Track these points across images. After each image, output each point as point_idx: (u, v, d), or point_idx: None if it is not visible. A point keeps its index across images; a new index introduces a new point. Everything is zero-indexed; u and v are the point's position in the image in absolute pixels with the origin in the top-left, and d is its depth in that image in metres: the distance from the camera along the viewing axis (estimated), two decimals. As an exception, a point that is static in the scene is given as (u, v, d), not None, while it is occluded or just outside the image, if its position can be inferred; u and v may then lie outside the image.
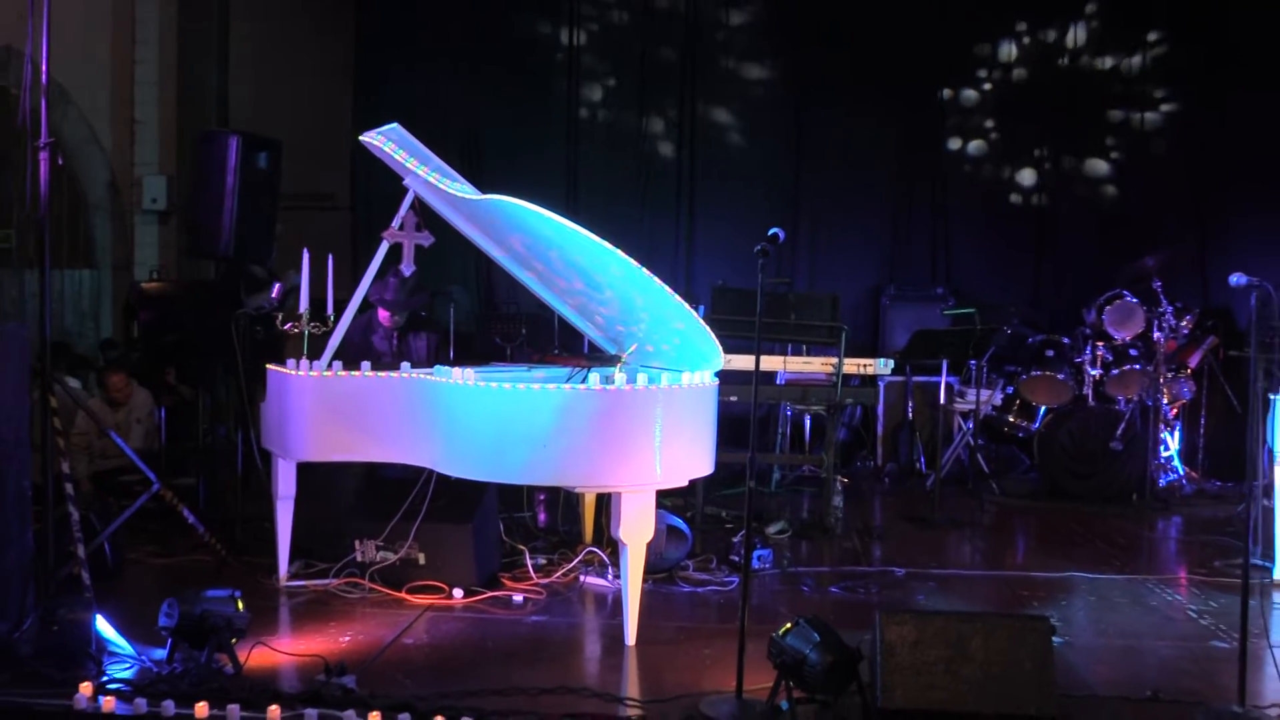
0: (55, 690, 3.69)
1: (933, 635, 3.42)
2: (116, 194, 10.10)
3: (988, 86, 9.61)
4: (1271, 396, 5.45)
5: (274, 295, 6.11)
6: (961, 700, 3.35)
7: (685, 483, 4.56)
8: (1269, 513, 5.61)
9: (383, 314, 6.36)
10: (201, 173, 6.26)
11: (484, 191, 4.81)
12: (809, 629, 3.57)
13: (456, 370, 4.59)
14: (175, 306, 6.35)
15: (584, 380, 4.54)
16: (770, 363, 6.80)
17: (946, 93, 9.57)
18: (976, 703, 3.35)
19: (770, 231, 3.86)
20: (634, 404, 4.26)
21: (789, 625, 3.63)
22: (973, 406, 7.84)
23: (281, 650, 4.18)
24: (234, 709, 3.51)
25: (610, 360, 5.06)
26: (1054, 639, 3.59)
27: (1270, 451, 5.54)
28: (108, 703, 3.60)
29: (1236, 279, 3.95)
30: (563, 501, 6.30)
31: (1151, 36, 9.40)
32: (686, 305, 4.41)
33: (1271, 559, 5.54)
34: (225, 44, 10.71)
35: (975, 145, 9.63)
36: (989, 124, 9.64)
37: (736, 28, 9.81)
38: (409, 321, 6.43)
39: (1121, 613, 5.01)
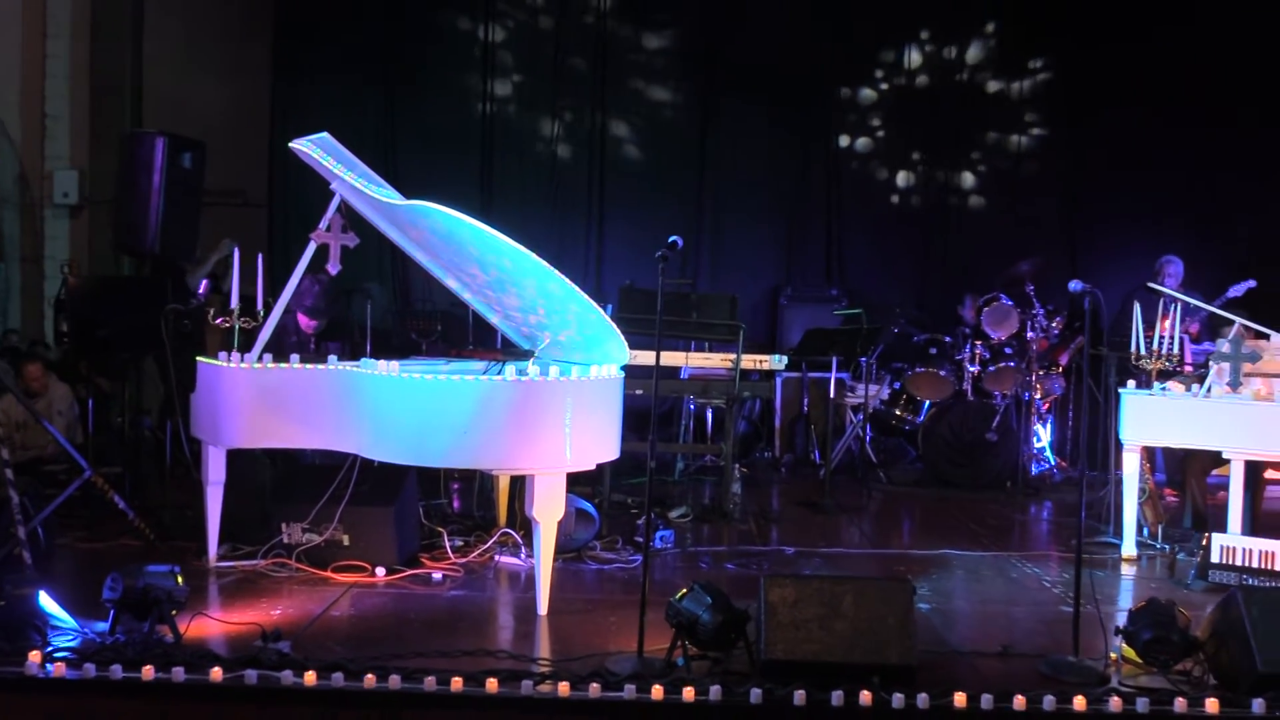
0: (4, 659, 3.95)
1: (809, 596, 3.89)
2: (26, 187, 10.14)
3: (879, 96, 10.22)
4: (1121, 392, 6.07)
5: (201, 293, 6.36)
6: (833, 651, 3.82)
7: (593, 466, 4.99)
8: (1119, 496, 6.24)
9: (303, 320, 6.67)
10: (128, 172, 6.49)
11: (402, 193, 5.17)
12: (702, 593, 4.02)
13: (382, 363, 4.95)
14: (106, 302, 6.55)
15: (500, 372, 4.92)
16: (674, 358, 7.26)
17: (842, 101, 10.15)
18: (846, 654, 3.82)
19: (670, 239, 4.29)
20: (546, 394, 4.67)
21: (684, 590, 4.07)
22: (862, 400, 8.41)
23: (219, 619, 4.50)
24: (178, 671, 3.82)
25: (523, 355, 5.45)
26: (919, 603, 4.08)
27: (1119, 441, 6.14)
28: (58, 668, 3.88)
29: (1074, 285, 4.50)
30: (477, 488, 6.66)
31: (1036, 64, 10.11)
32: (595, 304, 4.83)
33: (1120, 536, 6.18)
34: (140, 39, 10.76)
35: (867, 153, 10.24)
36: (880, 133, 10.26)
37: (642, 35, 10.25)
38: (324, 330, 6.76)
39: (985, 583, 5.57)
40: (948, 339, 8.76)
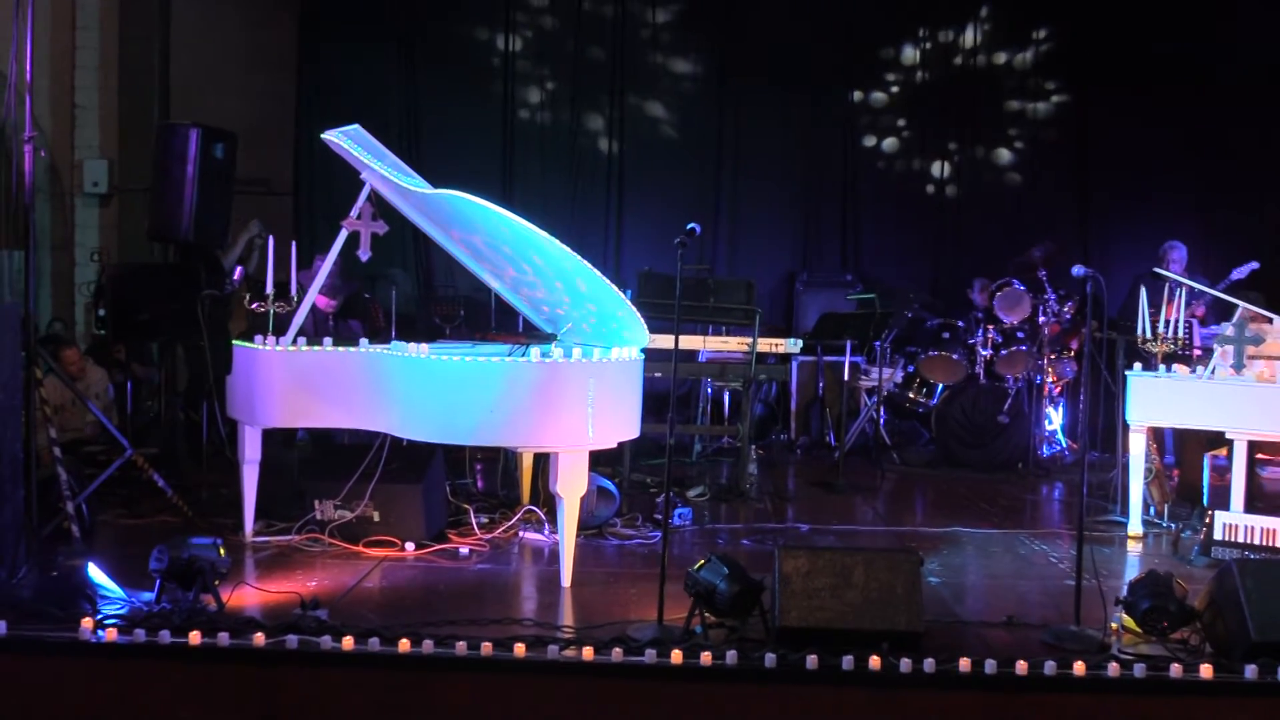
0: (60, 626, 4.18)
1: (822, 566, 4.08)
2: (56, 177, 10.37)
3: (894, 86, 10.36)
4: (1127, 374, 6.23)
5: (235, 279, 6.59)
6: (844, 619, 4.01)
7: (614, 444, 5.19)
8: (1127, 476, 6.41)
9: (320, 299, 6.90)
10: (162, 162, 6.72)
11: (427, 178, 5.38)
12: (719, 564, 4.22)
13: (412, 345, 5.15)
14: (145, 288, 6.79)
15: (525, 354, 5.13)
16: (692, 342, 7.46)
17: (857, 95, 10.33)
18: (856, 621, 4.01)
19: (688, 226, 4.47)
20: (569, 375, 4.87)
21: (702, 561, 4.28)
22: (876, 383, 8.57)
23: (259, 588, 4.73)
24: (223, 636, 4.04)
25: (547, 338, 5.66)
26: (929, 576, 4.26)
27: (1125, 423, 6.30)
28: (109, 634, 4.10)
29: (1077, 270, 4.66)
30: (501, 468, 6.87)
31: (1040, 34, 10.24)
32: (616, 289, 5.03)
33: (1126, 515, 6.34)
34: (167, 29, 10.97)
35: (882, 141, 10.41)
36: (894, 120, 10.41)
37: (661, 25, 10.41)
38: (341, 308, 7.02)
39: (993, 559, 5.75)
40: (960, 323, 8.91)
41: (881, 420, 8.82)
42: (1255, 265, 8.42)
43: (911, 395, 9.08)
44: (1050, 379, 8.82)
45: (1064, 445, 8.96)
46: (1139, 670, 3.94)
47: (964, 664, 3.92)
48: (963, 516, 6.73)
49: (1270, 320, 6.09)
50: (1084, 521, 4.56)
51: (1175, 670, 3.96)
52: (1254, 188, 9.85)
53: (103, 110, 10.46)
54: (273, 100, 10.44)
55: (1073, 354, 8.98)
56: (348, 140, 5.35)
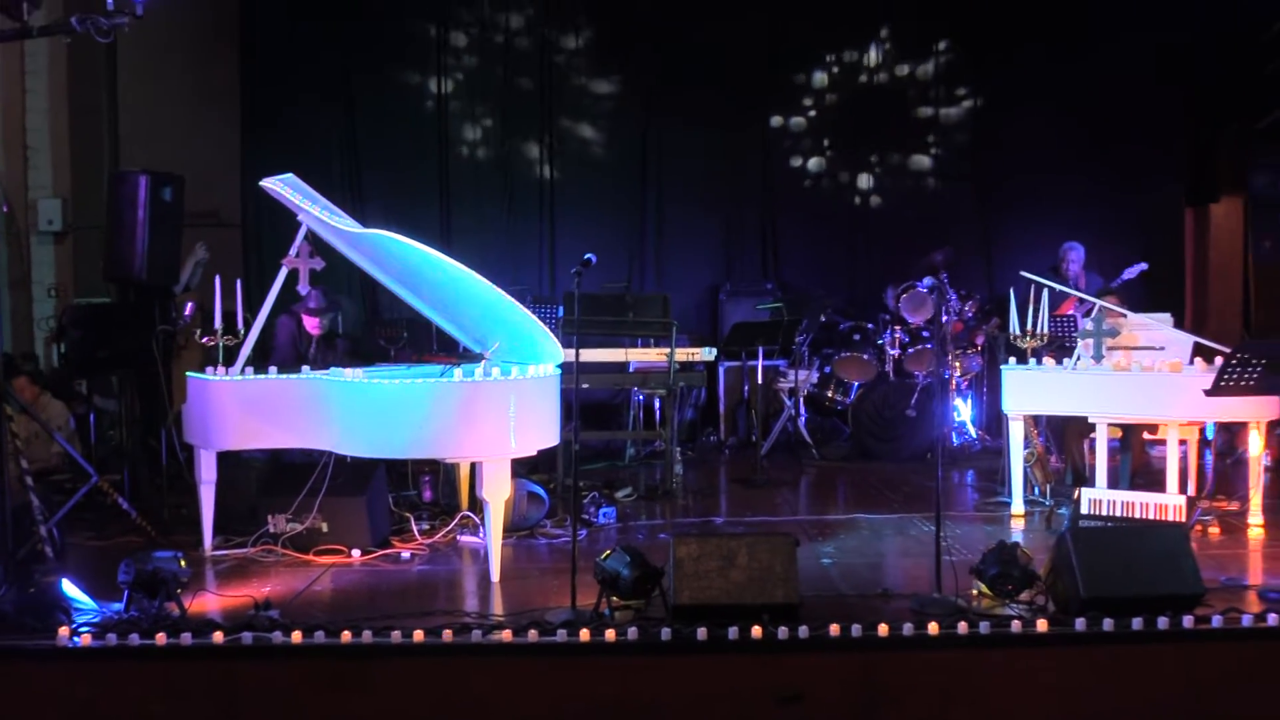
0: (39, 636, 4.70)
1: (710, 550, 4.69)
2: (12, 216, 10.79)
3: (811, 110, 11.02)
4: (1002, 368, 6.89)
5: (187, 314, 7.11)
6: (730, 595, 4.62)
7: (535, 452, 5.78)
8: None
9: (308, 320, 7.48)
10: (114, 208, 7.22)
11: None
12: (622, 553, 4.82)
13: (348, 370, 5.73)
14: (104, 326, 7.30)
15: (450, 375, 5.71)
16: (616, 355, 8.06)
17: (776, 124, 11.00)
18: (740, 596, 4.62)
19: (585, 256, 5.07)
20: (490, 392, 5.47)
21: (608, 552, 4.88)
22: (794, 384, 9.22)
23: (218, 594, 5.28)
24: (186, 636, 4.58)
25: (476, 358, 6.24)
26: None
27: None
28: (84, 640, 4.63)
29: (923, 283, 5.30)
30: (442, 479, 7.42)
31: (940, 45, 10.96)
32: (531, 314, 5.64)
33: (1009, 496, 7.01)
34: (114, 70, 11.40)
35: (791, 159, 11.03)
36: (811, 136, 11.03)
37: (576, 50, 10.95)
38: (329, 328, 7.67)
39: (884, 541, 6.39)
40: (870, 325, 9.57)
41: (803, 419, 9.46)
42: (1144, 266, 9.17)
43: (830, 394, 9.72)
44: (958, 373, 9.49)
45: (973, 435, 9.64)
46: (984, 627, 4.58)
47: (834, 629, 4.54)
48: (866, 504, 7.37)
49: (1125, 316, 6.78)
50: (940, 502, 5.19)
51: (1016, 626, 4.60)
52: (1137, 181, 10.62)
53: (54, 151, 10.86)
54: (219, 135, 10.88)
55: (978, 349, 9.66)
56: (284, 186, 5.91)
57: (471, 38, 10.94)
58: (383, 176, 10.71)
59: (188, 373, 6.23)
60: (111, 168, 10.74)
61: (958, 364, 9.46)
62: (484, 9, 10.89)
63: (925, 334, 9.37)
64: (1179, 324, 7.87)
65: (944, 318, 9.32)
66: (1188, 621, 4.57)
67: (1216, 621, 4.62)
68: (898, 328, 9.42)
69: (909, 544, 6.31)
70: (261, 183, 5.95)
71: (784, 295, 10.05)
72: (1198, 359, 6.56)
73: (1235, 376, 5.28)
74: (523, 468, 6.90)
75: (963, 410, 9.63)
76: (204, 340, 6.14)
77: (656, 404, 9.68)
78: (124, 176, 7.30)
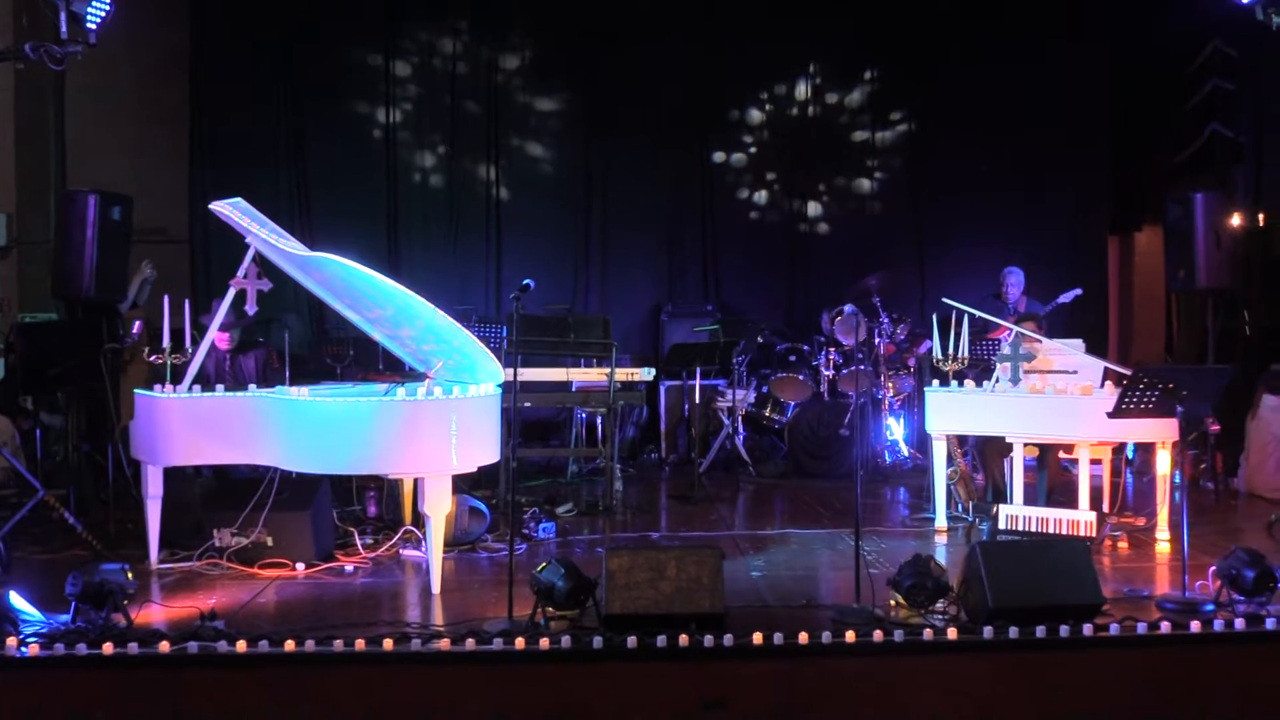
0: (-14, 646, 4.82)
1: (640, 563, 4.93)
2: (-47, 232, 10.78)
3: (748, 139, 11.38)
4: (925, 390, 7.21)
5: (135, 332, 7.23)
6: (659, 605, 4.85)
7: (475, 469, 5.99)
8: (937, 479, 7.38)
9: (219, 337, 7.57)
10: (64, 227, 7.35)
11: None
12: (557, 565, 5.05)
13: (294, 389, 5.90)
14: (53, 343, 7.40)
15: (392, 394, 5.91)
16: (558, 374, 8.29)
17: (717, 155, 11.32)
18: (669, 606, 4.86)
19: (524, 282, 5.30)
20: (432, 411, 5.67)
21: (543, 564, 5.09)
22: (732, 404, 9.50)
23: (164, 606, 5.42)
24: (133, 646, 4.73)
25: (420, 377, 6.44)
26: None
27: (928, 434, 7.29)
28: (32, 650, 4.76)
29: (848, 308, 5.59)
30: (386, 495, 7.59)
31: (869, 74, 11.35)
32: (473, 336, 5.85)
33: (934, 512, 7.32)
34: (62, 86, 11.40)
35: (739, 180, 11.38)
36: (751, 163, 11.38)
37: (515, 70, 11.20)
38: (238, 344, 7.74)
39: (812, 555, 6.66)
40: (806, 347, 9.89)
41: (741, 437, 9.74)
42: (1079, 291, 9.59)
43: (767, 413, 10.01)
44: (891, 394, 9.83)
45: (905, 454, 9.97)
46: (898, 635, 4.86)
47: (757, 638, 4.78)
48: (798, 520, 7.65)
49: (1040, 341, 7.13)
50: (860, 518, 5.47)
51: (928, 634, 4.88)
52: (1063, 208, 11.07)
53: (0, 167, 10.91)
54: (167, 152, 10.97)
55: (910, 371, 10.00)
56: (234, 210, 6.09)
57: (414, 66, 11.15)
58: (331, 198, 10.87)
59: (136, 390, 6.36)
60: (58, 184, 10.79)
61: (891, 384, 9.79)
62: (420, 36, 11.12)
63: (859, 355, 9.69)
64: (1104, 348, 8.27)
65: (876, 340, 9.67)
66: (1088, 630, 4.89)
67: (1114, 629, 4.94)
68: (832, 349, 9.74)
69: (836, 558, 6.59)
70: (211, 206, 6.12)
71: (722, 317, 10.36)
72: (1108, 383, 6.91)
73: (1135, 399, 5.61)
74: (466, 483, 7.11)
75: (895, 429, 9.96)
76: (153, 359, 6.27)
77: (599, 422, 9.94)
78: (73, 196, 7.42)
